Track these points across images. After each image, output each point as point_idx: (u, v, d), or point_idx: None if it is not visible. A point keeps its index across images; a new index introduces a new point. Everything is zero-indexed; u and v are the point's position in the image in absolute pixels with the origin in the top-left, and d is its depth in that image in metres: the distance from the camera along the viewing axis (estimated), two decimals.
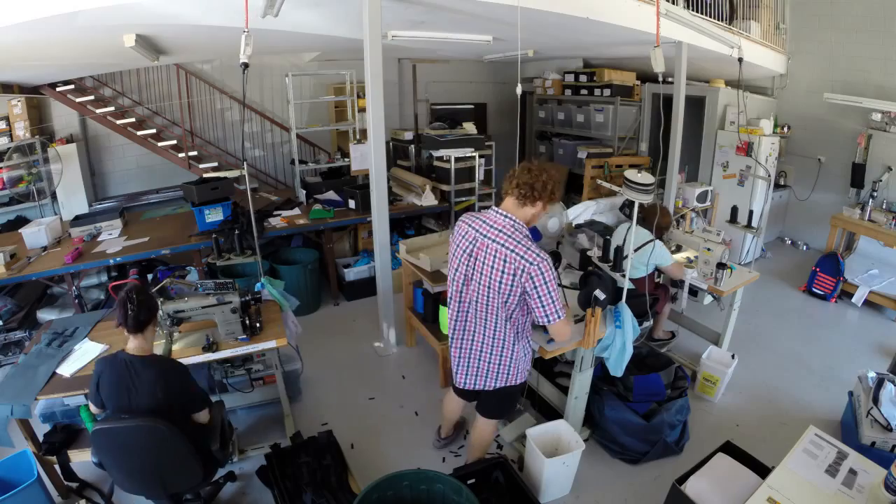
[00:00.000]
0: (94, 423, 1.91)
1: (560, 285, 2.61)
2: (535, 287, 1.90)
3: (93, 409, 2.09)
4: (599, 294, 2.32)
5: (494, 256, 1.94)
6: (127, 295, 1.91)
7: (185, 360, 2.40)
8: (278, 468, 2.53)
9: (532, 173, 1.96)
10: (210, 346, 2.46)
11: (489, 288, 1.98)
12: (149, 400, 1.89)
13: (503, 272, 1.92)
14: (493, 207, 2.04)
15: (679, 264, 3.29)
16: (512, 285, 1.93)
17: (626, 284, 2.57)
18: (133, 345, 1.96)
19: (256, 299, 2.61)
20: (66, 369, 2.38)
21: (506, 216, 1.98)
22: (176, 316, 2.45)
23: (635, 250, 3.05)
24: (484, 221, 2.01)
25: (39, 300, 4.04)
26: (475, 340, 2.14)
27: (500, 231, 1.95)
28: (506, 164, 5.38)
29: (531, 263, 1.87)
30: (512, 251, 1.90)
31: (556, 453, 2.45)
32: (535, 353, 2.40)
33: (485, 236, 1.98)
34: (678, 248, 3.66)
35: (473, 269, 2.02)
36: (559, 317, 1.96)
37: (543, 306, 1.93)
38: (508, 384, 2.20)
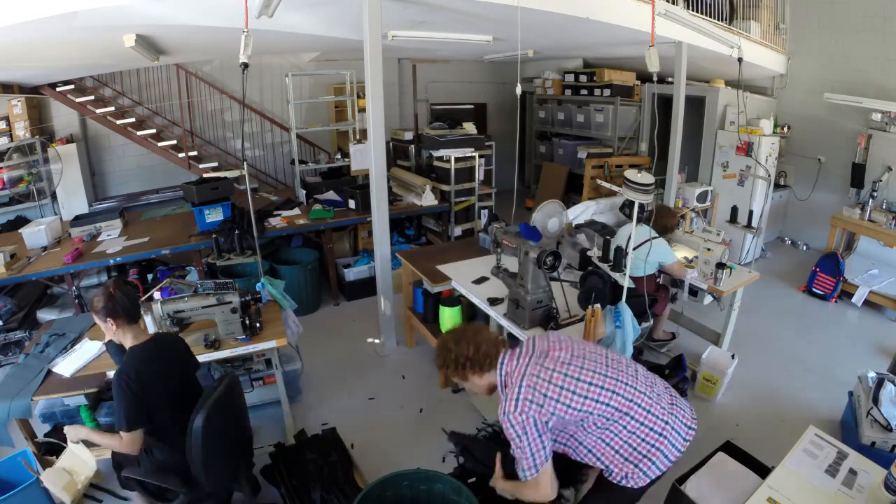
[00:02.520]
0: (196, 420, 1.79)
1: (558, 279, 2.64)
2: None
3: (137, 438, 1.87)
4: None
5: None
6: (116, 288, 1.92)
7: None
8: (284, 466, 2.52)
9: (441, 356, 1.75)
10: (212, 344, 2.45)
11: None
12: (185, 369, 2.13)
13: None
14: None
15: (681, 263, 3.29)
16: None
17: (626, 284, 2.57)
18: (136, 332, 1.97)
19: (256, 299, 2.61)
20: (66, 369, 2.38)
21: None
22: (176, 316, 2.45)
23: (634, 248, 3.05)
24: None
25: (39, 300, 4.04)
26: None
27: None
28: (506, 164, 5.38)
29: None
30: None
31: None
32: None
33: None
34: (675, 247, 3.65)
35: None
36: (525, 476, 1.64)
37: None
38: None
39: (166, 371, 1.97)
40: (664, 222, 3.31)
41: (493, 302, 2.77)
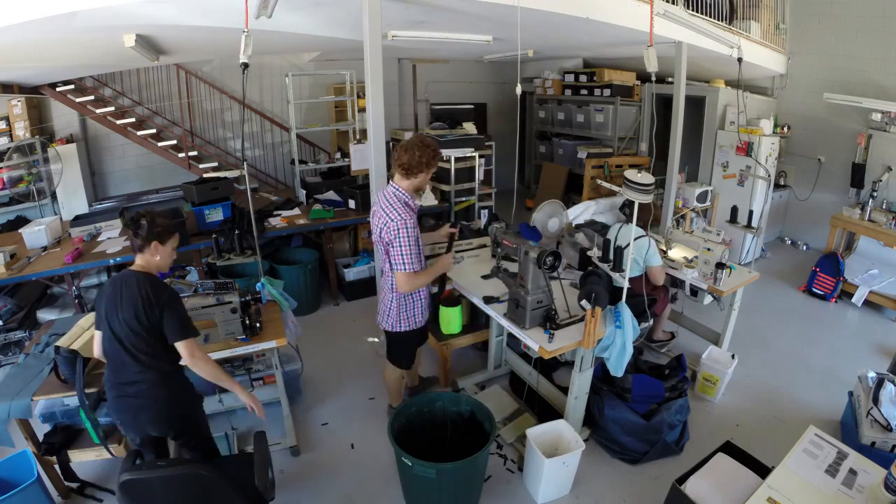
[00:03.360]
0: (121, 470, 1.65)
1: (558, 278, 2.74)
2: (394, 240, 2.33)
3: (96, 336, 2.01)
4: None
5: (377, 217, 2.44)
6: (136, 216, 1.94)
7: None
8: None
9: (409, 153, 2.39)
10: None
11: (378, 241, 2.46)
12: (130, 311, 1.85)
13: (379, 228, 2.41)
14: (390, 181, 2.49)
15: (664, 269, 3.28)
16: (380, 237, 2.41)
17: (626, 283, 2.57)
18: (137, 262, 1.97)
19: (256, 299, 2.61)
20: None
21: (394, 188, 2.44)
22: None
23: (626, 245, 3.05)
24: (383, 195, 2.47)
25: (39, 300, 4.04)
26: (381, 284, 2.70)
27: (386, 200, 2.42)
28: (506, 164, 5.38)
29: (394, 221, 2.32)
30: (384, 211, 2.38)
31: (556, 453, 2.45)
32: (421, 312, 2.67)
33: (379, 205, 2.46)
34: (668, 246, 3.65)
35: (374, 229, 2.50)
36: (402, 269, 2.35)
37: (393, 257, 2.37)
38: (393, 329, 2.63)
39: (108, 304, 1.95)
40: (645, 218, 3.30)
41: (489, 301, 2.76)
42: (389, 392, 3.02)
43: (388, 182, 2.53)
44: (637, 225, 3.17)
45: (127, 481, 1.59)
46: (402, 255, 2.34)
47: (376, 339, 3.85)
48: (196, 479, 1.65)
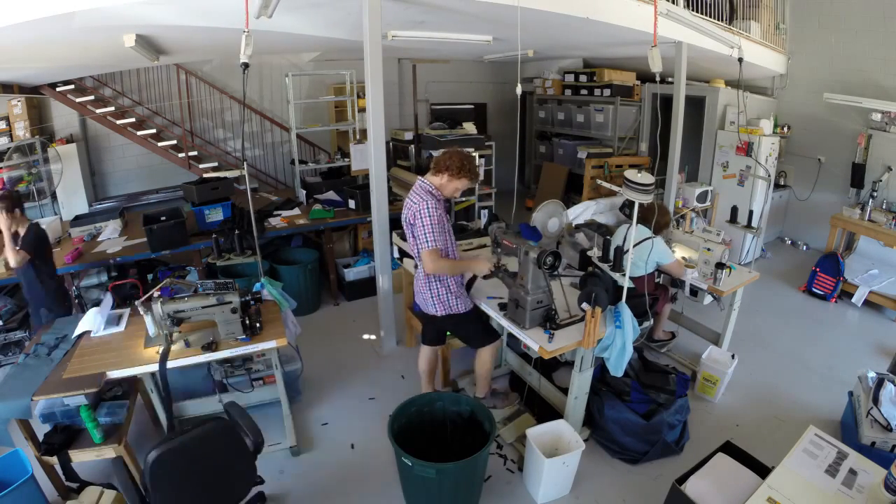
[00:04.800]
0: (155, 448, 1.73)
1: (558, 277, 2.81)
2: (416, 220, 2.46)
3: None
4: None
5: (405, 208, 2.59)
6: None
7: (186, 361, 2.42)
8: None
9: (452, 158, 2.53)
10: (209, 346, 2.45)
11: (408, 231, 2.57)
12: None
13: (405, 217, 2.57)
14: (419, 178, 2.61)
15: (680, 263, 3.29)
16: (407, 224, 2.55)
17: (626, 283, 2.57)
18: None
19: (256, 299, 2.61)
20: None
21: (421, 179, 2.58)
22: (176, 316, 2.45)
23: (634, 245, 3.05)
24: (415, 188, 2.59)
25: None
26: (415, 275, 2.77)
27: (413, 190, 2.57)
28: (506, 164, 5.38)
29: (416, 203, 2.47)
30: (409, 199, 2.55)
31: (556, 453, 2.45)
32: (461, 289, 2.73)
33: (408, 197, 2.60)
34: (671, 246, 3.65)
35: (403, 222, 2.63)
36: (426, 246, 2.45)
37: (417, 237, 2.49)
38: (452, 312, 2.68)
39: None
40: (658, 220, 3.31)
41: (502, 307, 2.76)
42: (481, 383, 3.00)
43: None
44: (651, 230, 3.20)
45: (162, 454, 1.70)
46: (424, 233, 2.44)
47: (373, 337, 3.85)
48: (223, 430, 1.87)
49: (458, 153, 2.54)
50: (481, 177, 2.63)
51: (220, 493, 1.96)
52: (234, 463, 1.97)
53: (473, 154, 2.64)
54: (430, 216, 2.43)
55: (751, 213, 3.72)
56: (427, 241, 2.45)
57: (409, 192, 2.62)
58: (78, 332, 2.61)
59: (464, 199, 5.26)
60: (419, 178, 2.60)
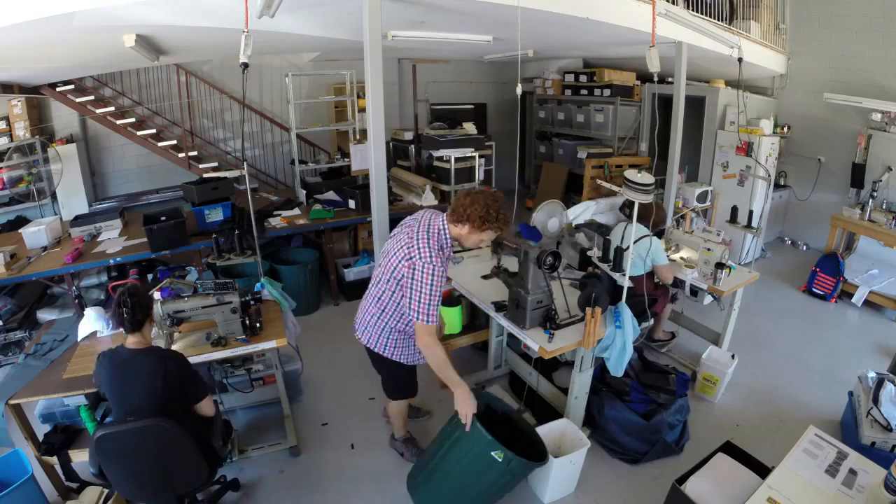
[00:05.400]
0: (96, 427, 1.89)
1: (558, 278, 2.70)
2: (412, 275, 2.08)
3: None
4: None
5: (401, 235, 2.19)
6: (120, 298, 1.95)
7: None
8: None
9: (475, 205, 2.12)
10: (218, 342, 2.45)
11: (388, 259, 2.20)
12: (148, 390, 1.90)
13: (399, 255, 2.14)
14: (442, 217, 2.22)
15: (671, 268, 3.28)
16: (393, 260, 2.16)
17: (626, 283, 2.57)
18: (131, 340, 1.98)
19: (256, 299, 2.61)
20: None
21: (443, 224, 2.19)
22: (176, 316, 2.45)
23: (634, 242, 3.05)
24: (426, 219, 2.21)
25: (39, 300, 4.04)
26: (368, 295, 2.39)
27: (426, 228, 2.16)
28: (506, 164, 5.38)
29: (419, 257, 2.07)
30: (414, 240, 2.11)
31: (560, 452, 2.44)
32: (415, 360, 2.46)
33: (413, 226, 2.19)
34: (676, 248, 3.65)
35: (391, 242, 2.27)
36: (424, 320, 2.09)
37: (411, 300, 2.10)
38: (389, 356, 2.37)
39: (120, 385, 1.97)
40: (654, 218, 3.31)
41: (499, 308, 2.76)
42: (395, 425, 2.78)
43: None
44: (648, 228, 3.20)
45: (102, 436, 1.81)
46: (420, 299, 2.07)
47: None
48: (162, 431, 1.85)
49: (482, 197, 2.12)
50: (511, 221, 2.29)
51: (157, 484, 2.00)
52: (171, 463, 1.95)
53: (497, 194, 2.17)
54: (430, 284, 2.06)
55: (751, 213, 3.72)
56: (420, 313, 2.08)
57: (416, 221, 2.21)
58: (83, 334, 2.60)
59: None
60: (441, 216, 2.21)
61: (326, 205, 4.77)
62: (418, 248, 2.08)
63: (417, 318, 2.10)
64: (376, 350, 2.37)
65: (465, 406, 2.13)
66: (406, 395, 2.62)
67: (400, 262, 2.12)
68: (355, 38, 3.30)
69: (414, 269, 2.07)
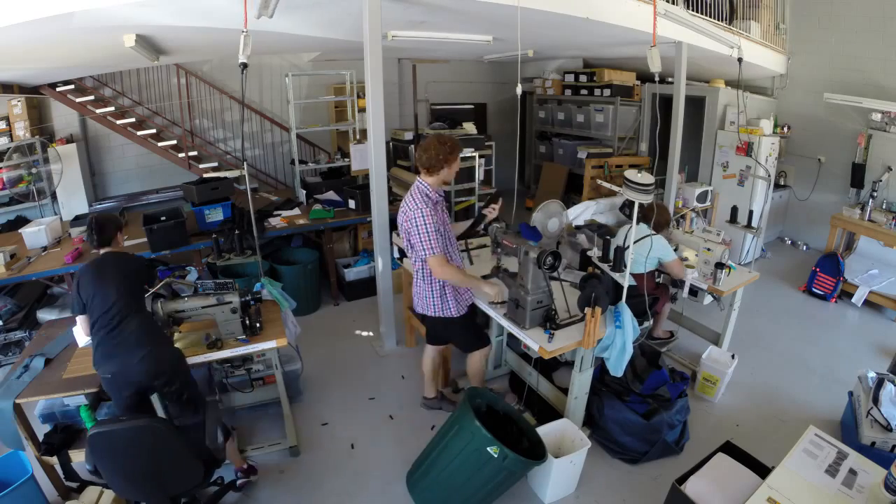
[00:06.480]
0: (92, 424, 1.92)
1: (558, 278, 2.78)
2: (412, 229, 2.47)
3: (80, 322, 2.33)
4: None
5: (401, 209, 2.58)
6: (90, 223, 2.35)
7: (186, 360, 2.40)
8: None
9: (427, 152, 2.50)
10: (213, 344, 2.45)
11: (404, 232, 2.58)
12: (122, 276, 2.25)
13: (401, 220, 2.55)
14: (417, 177, 2.59)
15: (681, 262, 3.28)
16: (403, 228, 2.55)
17: (626, 282, 2.57)
18: (105, 250, 2.36)
19: (256, 299, 2.61)
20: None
21: (419, 182, 2.56)
22: (176, 316, 2.45)
23: (635, 242, 3.05)
24: (411, 189, 2.59)
25: (39, 300, 4.04)
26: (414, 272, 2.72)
27: (410, 193, 2.57)
28: (506, 164, 5.38)
29: (411, 210, 2.47)
30: (405, 202, 2.54)
31: (560, 452, 2.45)
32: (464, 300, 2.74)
33: (404, 199, 2.60)
34: (676, 248, 3.65)
35: (398, 222, 2.63)
36: (430, 254, 2.46)
37: (415, 246, 2.50)
38: (443, 315, 2.68)
39: (96, 283, 2.24)
40: (658, 219, 3.32)
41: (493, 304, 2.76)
42: (473, 381, 3.01)
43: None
44: (650, 228, 3.20)
45: (95, 434, 1.84)
46: (421, 241, 2.45)
47: (370, 333, 3.86)
48: (155, 432, 1.90)
49: (432, 144, 2.50)
50: (461, 148, 2.66)
51: (150, 483, 2.03)
52: (163, 462, 1.99)
53: (440, 136, 2.57)
54: (425, 224, 2.43)
55: (751, 213, 3.71)
56: (426, 249, 2.46)
57: (406, 193, 2.60)
58: (82, 343, 2.58)
59: (464, 199, 5.26)
60: (417, 178, 2.59)
61: (326, 205, 4.77)
62: (409, 206, 2.49)
63: (425, 254, 2.47)
64: (436, 315, 2.69)
65: (489, 288, 2.60)
66: (481, 344, 2.88)
67: (404, 225, 2.52)
68: (355, 38, 3.30)
69: (412, 221, 2.45)
